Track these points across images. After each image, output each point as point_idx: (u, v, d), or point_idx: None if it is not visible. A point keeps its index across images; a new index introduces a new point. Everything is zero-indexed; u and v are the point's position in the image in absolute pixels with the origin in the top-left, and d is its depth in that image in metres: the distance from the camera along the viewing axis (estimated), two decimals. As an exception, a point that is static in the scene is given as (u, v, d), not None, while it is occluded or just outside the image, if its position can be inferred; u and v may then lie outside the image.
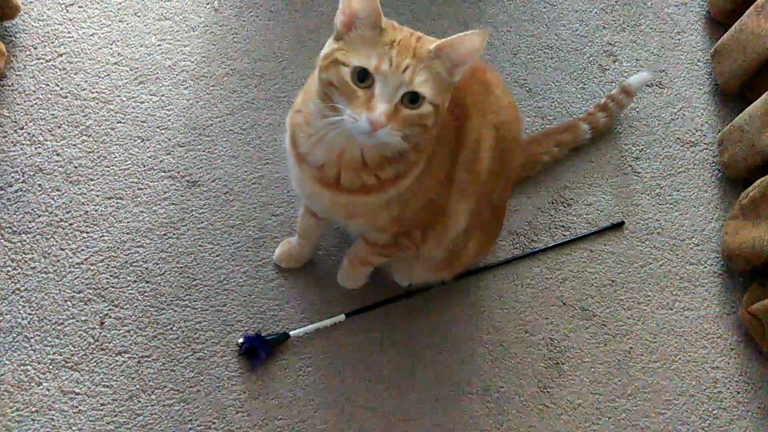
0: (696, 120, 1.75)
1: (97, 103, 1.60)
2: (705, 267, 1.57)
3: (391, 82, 0.93)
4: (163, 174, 1.53)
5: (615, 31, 1.85)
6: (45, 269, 1.41)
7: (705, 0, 1.91)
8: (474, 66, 1.18)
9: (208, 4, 1.77)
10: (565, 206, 1.60)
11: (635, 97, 1.73)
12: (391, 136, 0.95)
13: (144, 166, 1.54)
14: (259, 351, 1.34)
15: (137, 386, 1.32)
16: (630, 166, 1.67)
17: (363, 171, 1.08)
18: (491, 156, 1.19)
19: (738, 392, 1.44)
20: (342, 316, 1.41)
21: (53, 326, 1.36)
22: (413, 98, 0.95)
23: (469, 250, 1.33)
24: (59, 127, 1.56)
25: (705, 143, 1.72)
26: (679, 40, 1.86)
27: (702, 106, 1.77)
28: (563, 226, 1.58)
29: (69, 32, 1.68)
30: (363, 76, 0.94)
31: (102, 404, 1.30)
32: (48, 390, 1.30)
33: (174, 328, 1.38)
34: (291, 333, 1.38)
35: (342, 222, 1.29)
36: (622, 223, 1.60)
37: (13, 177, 1.48)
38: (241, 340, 1.36)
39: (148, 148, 1.56)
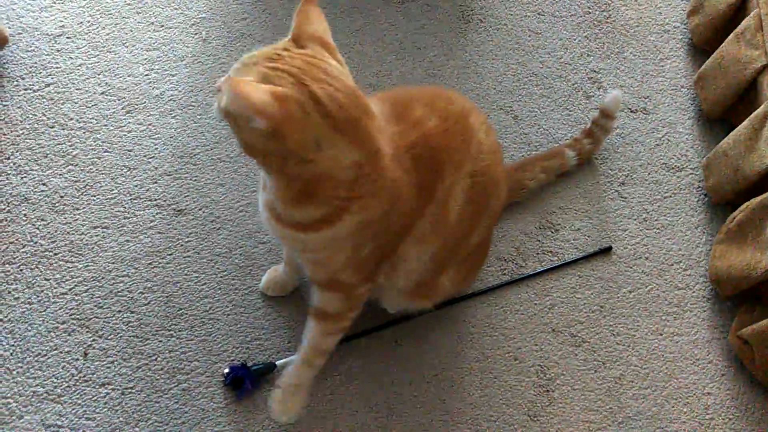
0: (681, 145, 1.76)
1: (84, 133, 1.60)
2: (693, 292, 1.57)
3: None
4: (149, 203, 1.53)
5: (599, 59, 1.88)
6: (29, 300, 1.39)
7: (687, 28, 1.94)
8: (457, 111, 1.17)
9: (196, 34, 1.78)
10: (552, 232, 1.61)
11: (620, 123, 1.75)
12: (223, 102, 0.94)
13: (130, 195, 1.53)
14: (245, 381, 1.33)
15: (120, 419, 1.30)
16: (616, 191, 1.68)
17: (289, 206, 1.05)
18: (465, 202, 1.17)
19: (730, 419, 1.43)
20: (329, 345, 1.40)
21: (36, 358, 1.34)
22: None
23: (444, 284, 1.31)
24: (45, 156, 1.56)
25: (690, 168, 1.73)
26: (662, 66, 1.89)
27: (686, 131, 1.78)
28: (551, 252, 1.58)
29: (57, 63, 1.69)
30: None
31: (84, 438, 1.28)
32: (30, 423, 1.28)
33: (159, 359, 1.36)
34: (277, 363, 1.37)
35: (301, 260, 1.24)
36: (610, 248, 1.60)
37: (-2, 207, 1.48)
38: (226, 371, 1.34)
39: (134, 176, 1.56)
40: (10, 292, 1.39)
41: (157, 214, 1.52)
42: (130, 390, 1.33)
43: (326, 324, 1.25)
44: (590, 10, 1.96)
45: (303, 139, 0.94)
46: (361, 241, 1.09)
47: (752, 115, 1.54)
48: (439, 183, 1.13)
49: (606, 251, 1.59)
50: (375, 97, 1.15)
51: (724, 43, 1.72)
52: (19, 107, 1.61)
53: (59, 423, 1.29)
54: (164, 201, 1.54)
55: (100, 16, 1.77)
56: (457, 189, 1.16)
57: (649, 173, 1.71)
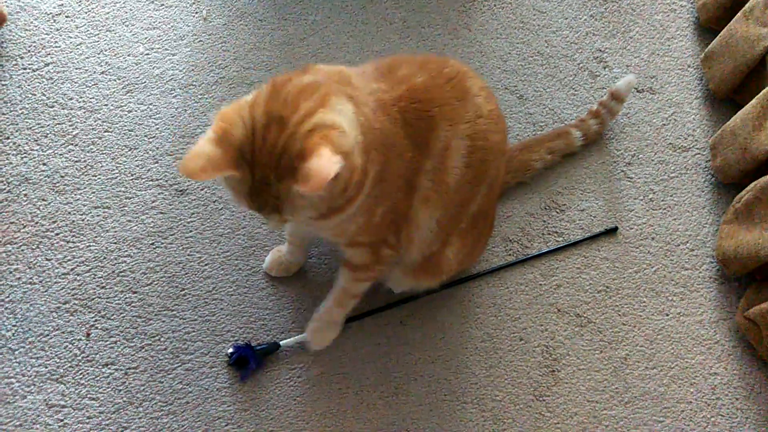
0: (688, 125, 1.74)
1: (84, 113, 1.58)
2: (700, 272, 1.56)
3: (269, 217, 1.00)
4: (150, 183, 1.51)
5: (605, 38, 1.85)
6: (30, 280, 1.38)
7: (694, 6, 1.91)
8: (451, 73, 1.16)
9: (196, 13, 1.76)
10: (558, 212, 1.59)
11: (627, 103, 1.72)
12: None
13: (131, 175, 1.52)
14: (249, 361, 1.32)
15: (124, 398, 1.29)
16: (622, 171, 1.66)
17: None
18: (464, 165, 1.16)
19: (736, 398, 1.42)
20: (333, 325, 1.39)
21: (38, 338, 1.33)
22: None
23: (449, 258, 1.30)
24: (45, 136, 1.54)
25: (697, 148, 1.71)
26: (669, 46, 1.86)
27: (693, 111, 1.76)
28: (556, 232, 1.57)
29: (56, 42, 1.66)
30: None
31: (88, 417, 1.27)
32: (33, 403, 1.27)
33: (162, 339, 1.35)
34: (281, 342, 1.36)
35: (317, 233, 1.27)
36: (616, 228, 1.58)
37: (-2, 187, 1.46)
38: (230, 350, 1.33)
39: (135, 156, 1.54)
40: (11, 273, 1.38)
41: (158, 194, 1.50)
42: (133, 370, 1.32)
43: (355, 273, 1.26)
44: (596, -11, 1.93)
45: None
46: (369, 207, 1.09)
47: (760, 94, 1.52)
48: (431, 135, 1.12)
49: (612, 231, 1.58)
50: (370, 65, 1.16)
51: (731, 22, 1.69)
52: (18, 87, 1.59)
53: (62, 403, 1.28)
54: (166, 181, 1.52)
55: (100, -5, 1.75)
56: (455, 149, 1.15)
57: (655, 153, 1.69)
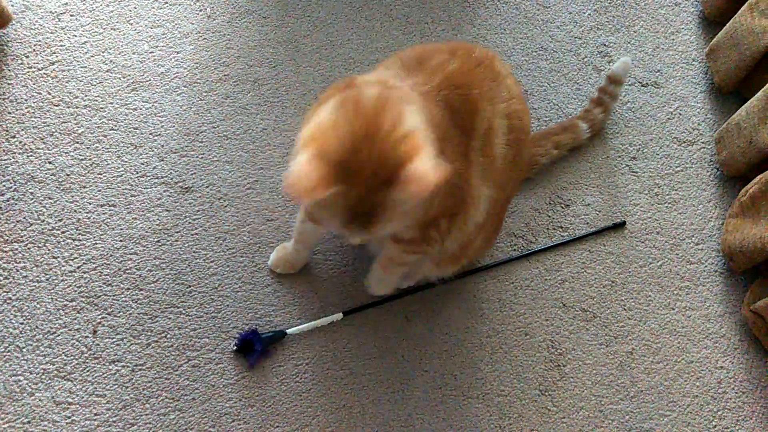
0: (693, 119, 1.74)
1: (90, 111, 1.58)
2: (706, 266, 1.55)
3: (359, 234, 1.00)
4: (156, 180, 1.52)
5: (609, 32, 1.85)
6: (37, 278, 1.39)
7: (698, 0, 1.90)
8: (481, 56, 1.18)
9: (200, 11, 1.76)
10: (563, 207, 1.59)
11: (631, 97, 1.72)
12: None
13: (137, 173, 1.52)
14: (254, 345, 1.32)
15: (131, 395, 1.30)
16: (627, 166, 1.66)
17: None
18: (506, 143, 1.18)
19: (743, 392, 1.42)
20: (339, 315, 1.39)
21: (45, 335, 1.34)
22: None
23: (476, 244, 1.32)
24: (51, 135, 1.54)
25: (702, 142, 1.70)
26: (673, 39, 1.85)
27: (698, 104, 1.76)
28: (561, 227, 1.56)
29: (61, 41, 1.67)
30: None
31: (95, 414, 1.28)
32: (40, 400, 1.28)
33: (168, 336, 1.36)
34: (288, 331, 1.36)
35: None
36: (624, 222, 1.58)
37: (4, 186, 1.47)
38: (235, 341, 1.34)
39: (141, 154, 1.55)
40: (18, 271, 1.39)
41: (164, 191, 1.51)
42: (140, 367, 1.33)
43: (402, 245, 1.25)
44: (600, -17, 1.93)
45: None
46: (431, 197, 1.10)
47: (766, 87, 1.51)
48: (476, 118, 1.14)
49: (620, 226, 1.57)
50: (393, 60, 1.16)
51: (736, 15, 1.68)
52: (23, 86, 1.59)
53: (70, 400, 1.28)
54: (171, 179, 1.52)
55: (104, -6, 1.75)
56: (497, 128, 1.17)
57: (660, 147, 1.69)
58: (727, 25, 1.71)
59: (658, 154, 1.68)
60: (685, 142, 1.70)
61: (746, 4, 1.66)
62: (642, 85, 1.77)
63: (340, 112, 0.97)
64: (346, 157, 0.92)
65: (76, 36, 1.68)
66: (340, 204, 0.96)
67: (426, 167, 0.90)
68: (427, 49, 1.19)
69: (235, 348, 1.34)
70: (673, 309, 1.50)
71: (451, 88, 1.11)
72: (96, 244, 1.43)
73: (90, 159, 1.53)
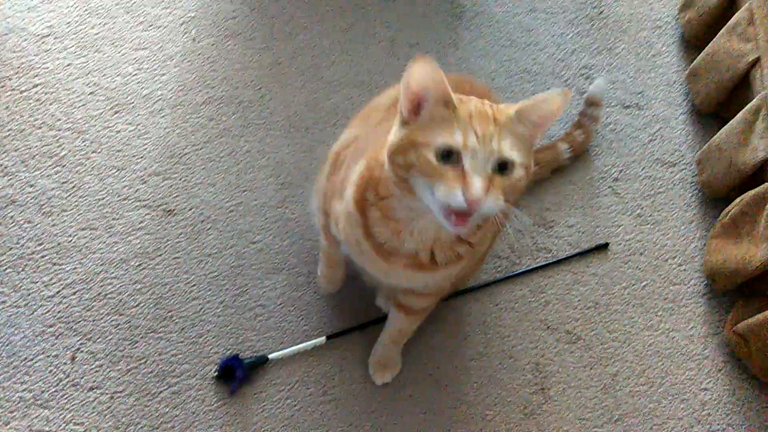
0: (674, 140, 1.75)
1: (72, 133, 1.58)
2: (689, 287, 1.56)
3: (481, 154, 0.87)
4: (138, 203, 1.51)
5: (591, 55, 1.87)
6: (16, 303, 1.37)
7: (679, 23, 1.93)
8: (479, 90, 1.16)
9: (185, 33, 1.76)
10: (546, 228, 1.59)
11: (613, 119, 1.74)
12: (494, 208, 0.89)
13: (119, 196, 1.51)
14: (235, 372, 1.31)
15: (110, 423, 1.28)
16: (610, 187, 1.67)
17: (458, 244, 1.05)
18: None
19: (727, 414, 1.42)
20: (323, 339, 1.38)
21: (23, 362, 1.32)
22: (503, 165, 0.90)
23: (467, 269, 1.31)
24: (33, 157, 1.53)
25: (684, 163, 1.72)
26: (654, 62, 1.88)
27: (679, 126, 1.78)
28: (545, 249, 1.57)
29: (45, 63, 1.67)
30: (447, 154, 0.88)
31: (73, 442, 1.26)
32: (17, 429, 1.26)
33: (148, 362, 1.34)
34: (270, 356, 1.35)
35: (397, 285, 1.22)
36: (607, 244, 1.58)
37: (-16, 209, 1.45)
38: (217, 366, 1.33)
39: (123, 177, 1.54)
40: (-4, 296, 1.37)
41: (146, 214, 1.50)
42: (119, 394, 1.31)
43: (412, 316, 1.27)
44: (582, 7, 1.95)
45: None
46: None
47: (745, 109, 1.53)
48: None
49: (603, 247, 1.58)
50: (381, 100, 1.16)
51: (716, 38, 1.71)
52: (5, 108, 1.59)
53: (47, 428, 1.26)
54: (153, 201, 1.52)
55: (88, 16, 1.75)
56: None
57: (642, 169, 1.70)
58: (707, 48, 1.73)
59: (640, 176, 1.69)
60: (667, 164, 1.71)
61: (725, 28, 1.68)
62: (624, 107, 1.79)
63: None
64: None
65: (59, 58, 1.68)
66: (460, 108, 0.89)
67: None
68: None
69: (216, 374, 1.32)
70: (657, 330, 1.50)
71: None
72: (76, 268, 1.42)
73: (71, 182, 1.52)
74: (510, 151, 0.89)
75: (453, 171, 0.87)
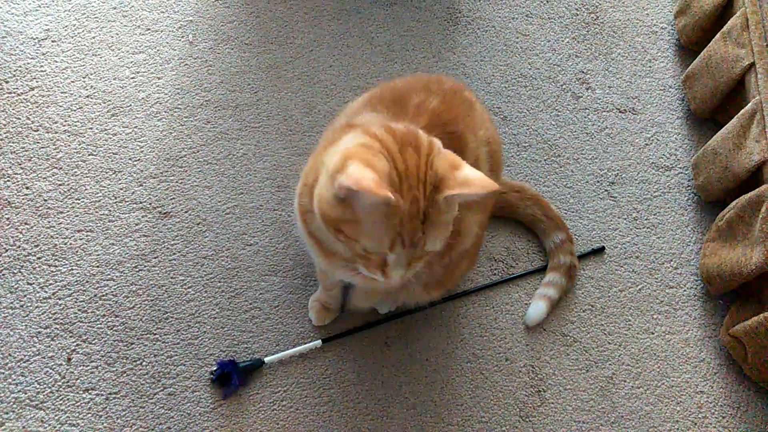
0: (670, 145, 1.76)
1: (69, 136, 1.58)
2: (685, 290, 1.56)
3: (405, 257, 0.92)
4: (134, 206, 1.51)
5: (587, 60, 1.88)
6: (11, 305, 1.37)
7: (674, 28, 1.94)
8: (453, 87, 1.19)
9: (182, 37, 1.77)
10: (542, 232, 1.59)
11: (609, 123, 1.74)
12: (414, 272, 0.96)
13: (115, 198, 1.51)
14: (232, 377, 1.30)
15: (105, 425, 1.27)
16: (606, 191, 1.67)
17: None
18: (489, 168, 1.20)
19: (723, 417, 1.42)
20: (318, 342, 1.38)
21: (18, 363, 1.31)
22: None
23: (462, 267, 1.32)
24: (29, 160, 1.53)
25: (680, 167, 1.73)
26: (650, 67, 1.89)
27: (675, 130, 1.78)
28: (541, 252, 1.57)
29: (42, 66, 1.67)
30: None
31: (67, 444, 1.25)
32: (12, 430, 1.25)
33: (144, 363, 1.34)
34: (266, 359, 1.35)
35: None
36: (603, 248, 1.59)
37: (-20, 211, 1.45)
38: (214, 368, 1.32)
39: (119, 180, 1.54)
40: (-9, 297, 1.37)
41: (142, 217, 1.50)
42: (114, 395, 1.30)
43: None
44: (578, 12, 1.96)
45: None
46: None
47: (740, 113, 1.54)
48: (465, 151, 1.13)
49: (599, 251, 1.58)
50: (368, 102, 1.15)
51: (711, 43, 1.72)
52: (2, 111, 1.59)
53: (41, 429, 1.26)
54: (150, 204, 1.52)
55: (86, 20, 1.76)
56: (482, 158, 1.17)
57: (638, 173, 1.71)
58: (702, 53, 1.75)
59: (636, 180, 1.70)
60: (662, 168, 1.72)
61: (719, 33, 1.70)
62: (620, 112, 1.79)
63: (368, 138, 0.93)
64: (393, 167, 0.89)
65: (57, 62, 1.68)
66: (391, 220, 0.89)
67: (476, 173, 0.90)
68: (399, 88, 1.17)
69: (212, 378, 1.32)
70: (653, 333, 1.50)
71: (439, 126, 1.09)
72: (72, 270, 1.42)
73: (68, 184, 1.52)
74: (432, 245, 0.94)
75: (377, 258, 0.93)
